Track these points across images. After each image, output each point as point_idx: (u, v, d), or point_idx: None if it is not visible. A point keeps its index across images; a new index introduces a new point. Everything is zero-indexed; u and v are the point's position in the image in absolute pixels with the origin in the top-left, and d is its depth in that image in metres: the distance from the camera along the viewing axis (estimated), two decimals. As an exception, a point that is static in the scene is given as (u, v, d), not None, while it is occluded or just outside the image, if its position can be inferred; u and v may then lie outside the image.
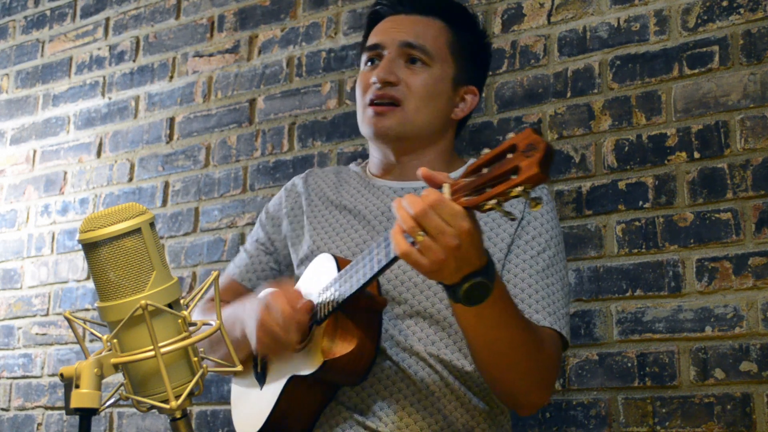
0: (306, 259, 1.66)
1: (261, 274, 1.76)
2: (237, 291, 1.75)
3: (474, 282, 1.23)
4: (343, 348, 1.41)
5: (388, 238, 1.28)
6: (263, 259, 1.76)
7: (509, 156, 1.12)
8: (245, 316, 1.52)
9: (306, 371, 1.44)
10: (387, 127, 1.63)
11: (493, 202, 1.14)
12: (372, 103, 1.65)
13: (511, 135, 1.12)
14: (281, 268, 1.76)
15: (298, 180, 1.81)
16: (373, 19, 1.76)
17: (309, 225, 1.70)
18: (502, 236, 1.58)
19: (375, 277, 1.34)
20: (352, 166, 1.81)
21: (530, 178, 1.08)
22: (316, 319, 1.47)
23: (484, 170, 1.15)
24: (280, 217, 1.77)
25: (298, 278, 1.65)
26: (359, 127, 1.71)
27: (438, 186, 1.22)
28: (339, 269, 1.46)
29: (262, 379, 1.59)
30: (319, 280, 1.51)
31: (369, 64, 1.71)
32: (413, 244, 1.21)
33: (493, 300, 1.28)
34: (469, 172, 1.18)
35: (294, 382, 1.48)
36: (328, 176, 1.79)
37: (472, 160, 1.74)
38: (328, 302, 1.44)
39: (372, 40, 1.71)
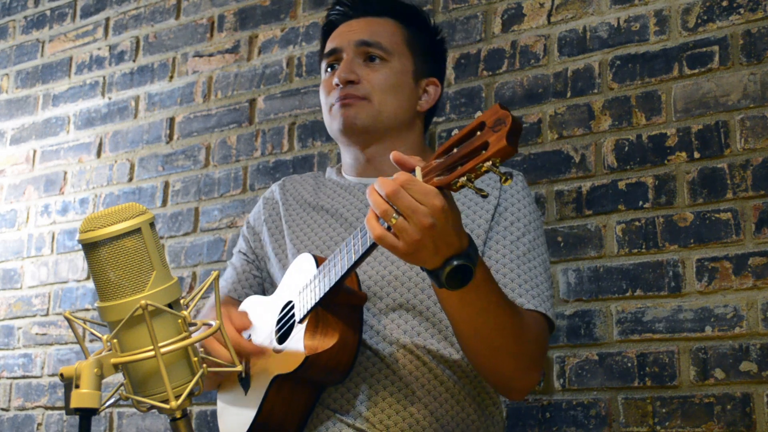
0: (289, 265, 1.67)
1: (247, 283, 1.78)
2: (229, 305, 1.76)
3: (455, 265, 1.23)
4: (324, 343, 1.40)
5: (364, 228, 1.29)
6: (247, 268, 1.79)
7: (478, 133, 1.14)
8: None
9: (289, 369, 1.43)
10: (355, 117, 1.64)
11: (464, 179, 1.15)
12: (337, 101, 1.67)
13: (479, 113, 1.13)
14: (264, 276, 1.77)
15: (275, 187, 1.83)
16: (328, 29, 1.79)
17: (288, 230, 1.71)
18: (480, 213, 1.59)
19: (353, 268, 1.35)
20: (328, 170, 1.84)
21: (499, 151, 1.10)
22: (296, 319, 1.47)
23: (455, 150, 1.17)
24: (259, 226, 1.79)
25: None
26: (328, 130, 1.72)
27: (409, 169, 1.23)
28: (318, 267, 1.46)
29: (246, 384, 1.58)
30: (299, 280, 1.51)
31: (329, 70, 1.74)
32: (388, 229, 1.21)
33: (476, 284, 1.28)
34: (440, 153, 1.19)
35: (278, 382, 1.46)
36: (306, 181, 1.82)
37: None
38: (308, 299, 1.44)
39: (329, 46, 1.75)
